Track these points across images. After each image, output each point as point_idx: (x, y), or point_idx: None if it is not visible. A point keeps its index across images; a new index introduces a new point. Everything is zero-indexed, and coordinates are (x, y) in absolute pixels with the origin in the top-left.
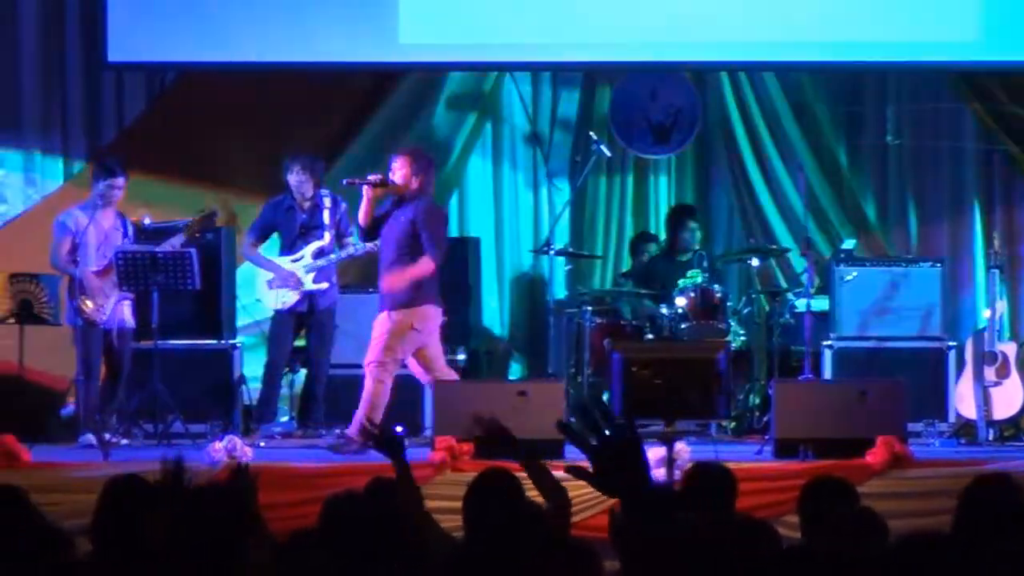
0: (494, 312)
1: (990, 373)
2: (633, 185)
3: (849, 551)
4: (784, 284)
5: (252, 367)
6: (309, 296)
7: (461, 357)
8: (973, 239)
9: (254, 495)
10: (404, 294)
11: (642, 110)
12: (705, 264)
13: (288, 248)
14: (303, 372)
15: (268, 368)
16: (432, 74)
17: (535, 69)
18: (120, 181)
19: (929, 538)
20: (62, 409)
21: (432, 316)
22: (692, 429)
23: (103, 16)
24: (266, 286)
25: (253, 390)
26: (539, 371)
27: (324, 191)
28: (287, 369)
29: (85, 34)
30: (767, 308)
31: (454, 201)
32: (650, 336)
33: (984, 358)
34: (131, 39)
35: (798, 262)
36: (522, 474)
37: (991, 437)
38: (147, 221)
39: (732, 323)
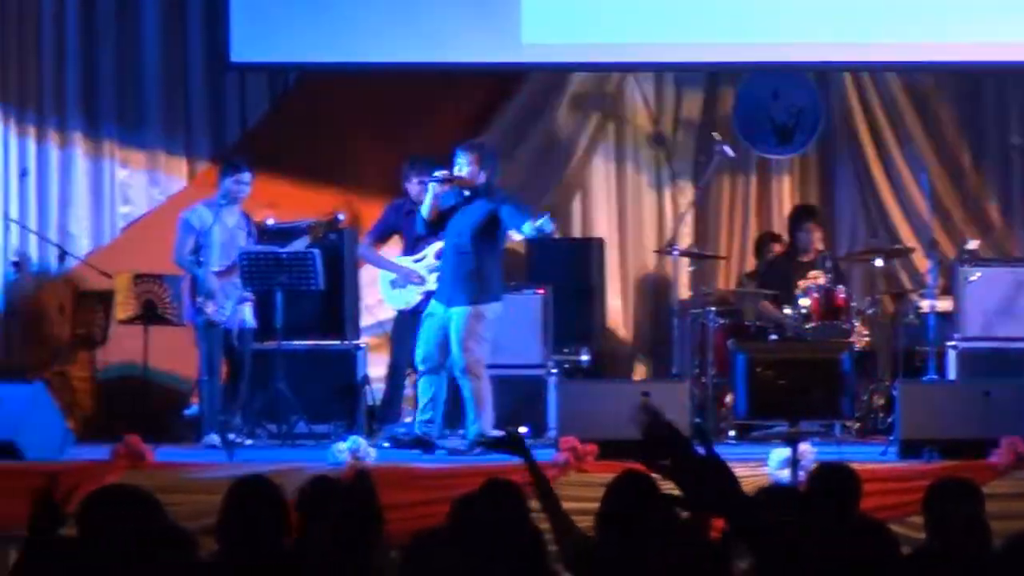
0: (618, 312)
1: None
2: (756, 185)
3: (973, 552)
4: (908, 284)
5: (375, 368)
6: (431, 297)
7: (585, 358)
8: None
9: (376, 496)
10: (487, 288)
11: (765, 110)
12: (829, 264)
13: (410, 250)
14: None
15: (391, 369)
16: (555, 75)
17: (658, 69)
18: (246, 177)
19: None
20: (186, 409)
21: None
22: (816, 430)
23: (226, 17)
24: (389, 286)
25: (376, 391)
26: (662, 372)
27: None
28: (410, 370)
29: (208, 35)
30: (891, 308)
31: (577, 202)
32: (774, 337)
33: None
34: (254, 40)
35: (922, 262)
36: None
37: None
38: (270, 222)
39: (856, 323)
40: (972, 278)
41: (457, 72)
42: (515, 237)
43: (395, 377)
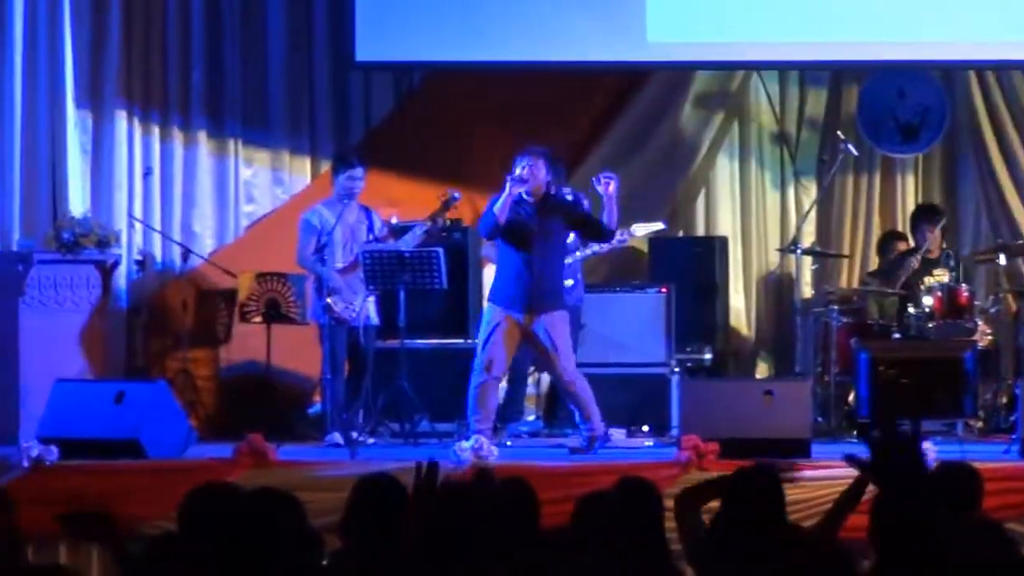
0: (741, 311)
1: None
2: (880, 184)
3: None
4: None
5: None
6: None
7: (707, 356)
8: None
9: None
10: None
11: (890, 109)
12: (952, 263)
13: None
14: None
15: (514, 367)
16: (679, 73)
17: (782, 68)
18: (359, 172)
19: None
20: (309, 408)
21: None
22: (938, 429)
23: (351, 16)
24: None
25: (499, 389)
26: (785, 370)
27: (566, 189)
28: (533, 368)
29: (333, 34)
30: (1014, 306)
31: (700, 200)
32: (897, 335)
33: None
34: (379, 39)
35: None
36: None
37: None
38: (394, 220)
39: (979, 322)
40: None
41: (582, 71)
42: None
43: (518, 376)
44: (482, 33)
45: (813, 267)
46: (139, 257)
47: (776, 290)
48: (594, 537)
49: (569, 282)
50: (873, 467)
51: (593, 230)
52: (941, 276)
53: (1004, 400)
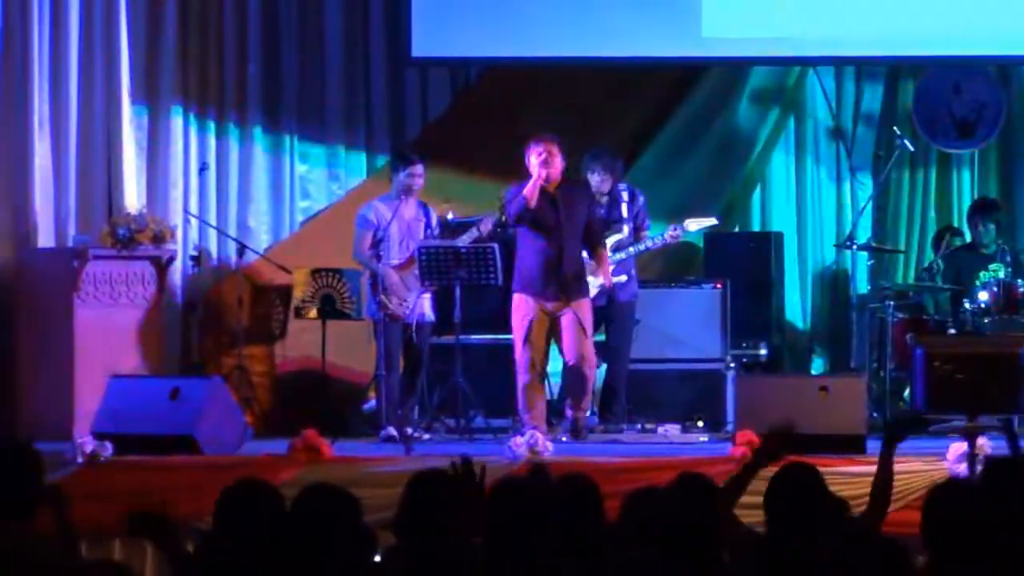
0: (796, 306)
1: None
2: (936, 179)
3: None
4: None
5: (553, 362)
6: (609, 289)
7: (763, 351)
8: None
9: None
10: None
11: (946, 104)
12: (1008, 258)
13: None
14: (604, 366)
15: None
16: (735, 69)
17: (838, 64)
18: (418, 169)
19: None
20: (364, 404)
21: None
22: (995, 424)
23: (407, 12)
24: None
25: (554, 385)
26: (841, 365)
27: (622, 185)
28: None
29: (390, 30)
30: None
31: (757, 195)
32: (953, 331)
33: None
34: (435, 34)
35: None
36: (830, 469)
37: None
38: (450, 216)
39: None
40: None
41: (637, 67)
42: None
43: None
44: (538, 29)
45: (869, 262)
46: (194, 253)
47: (832, 285)
48: (646, 533)
49: (623, 278)
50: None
51: (586, 238)
52: (997, 271)
53: None
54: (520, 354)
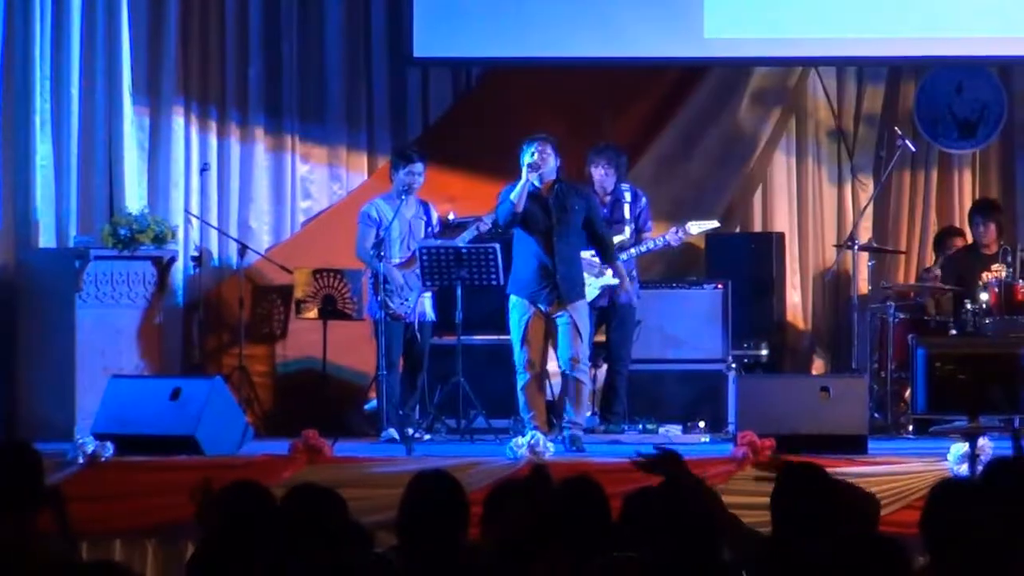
0: (797, 307)
1: None
2: (937, 179)
3: None
4: None
5: (552, 362)
6: (610, 291)
7: (763, 352)
8: None
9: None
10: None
11: (947, 105)
12: (1009, 258)
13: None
14: (605, 367)
15: None
16: (737, 69)
17: (840, 64)
18: (418, 167)
19: None
20: (365, 404)
21: None
22: (995, 425)
23: (409, 12)
24: None
25: (555, 385)
26: (841, 366)
27: (625, 185)
28: (600, 361)
29: (391, 30)
30: None
31: (758, 196)
32: (954, 331)
33: None
34: (437, 34)
35: None
36: (830, 469)
37: None
38: (451, 216)
39: None
40: None
41: (639, 67)
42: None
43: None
44: (539, 29)
45: (870, 263)
46: (196, 253)
47: (833, 286)
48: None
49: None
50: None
51: (595, 242)
52: (998, 272)
53: None
54: (518, 355)
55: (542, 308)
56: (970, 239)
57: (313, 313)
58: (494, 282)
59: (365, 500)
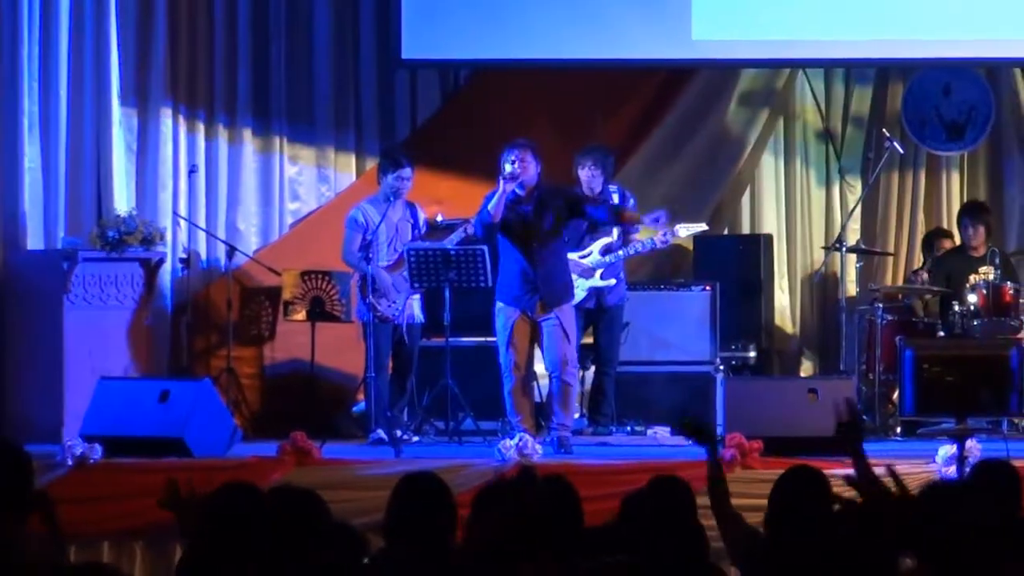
0: (785, 309)
1: None
2: (925, 181)
3: None
4: None
5: (540, 364)
6: (597, 293)
7: (751, 354)
8: None
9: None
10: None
11: (935, 106)
12: (997, 260)
13: (575, 245)
14: (592, 369)
15: None
16: (725, 71)
17: (828, 66)
18: (407, 172)
19: None
20: (353, 406)
21: None
22: (983, 427)
23: (397, 14)
24: None
25: (543, 387)
26: (829, 368)
27: (612, 186)
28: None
29: (379, 32)
30: None
31: (746, 198)
32: (942, 333)
33: None
34: (425, 36)
35: None
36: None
37: None
38: (439, 218)
39: None
40: None
41: (627, 69)
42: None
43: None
44: (528, 31)
45: (858, 265)
46: (184, 255)
47: (821, 288)
48: (634, 535)
49: (611, 281)
50: None
51: (590, 221)
52: (986, 273)
53: None
54: (503, 358)
55: (528, 314)
56: (958, 241)
57: (301, 315)
58: (482, 284)
59: (353, 502)
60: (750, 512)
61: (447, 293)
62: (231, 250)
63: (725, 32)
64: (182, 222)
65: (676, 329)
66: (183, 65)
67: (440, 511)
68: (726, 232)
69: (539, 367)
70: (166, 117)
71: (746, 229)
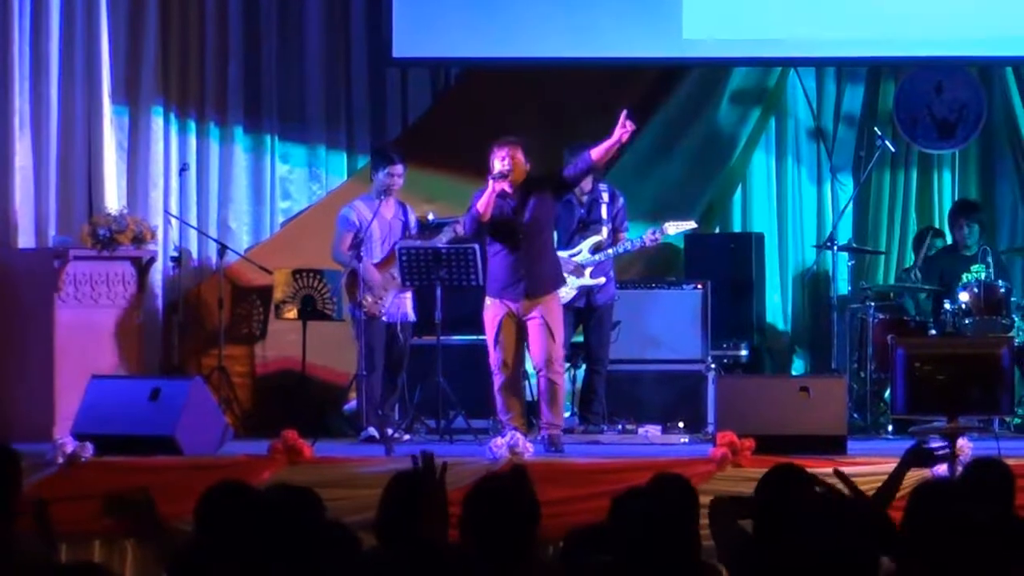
0: (776, 307)
1: None
2: (917, 180)
3: None
4: None
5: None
6: (587, 291)
7: (743, 352)
8: None
9: (532, 492)
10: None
11: (927, 105)
12: (989, 259)
13: (565, 243)
14: (583, 367)
15: None
16: (716, 69)
17: (820, 64)
18: (399, 168)
19: None
20: (344, 404)
21: None
22: (975, 426)
23: (388, 12)
24: None
25: (533, 385)
26: (822, 367)
27: (603, 186)
28: (568, 364)
29: (370, 30)
30: None
31: (737, 196)
32: (933, 332)
33: None
34: (416, 35)
35: None
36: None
37: None
38: (431, 217)
39: (1016, 318)
40: None
41: (618, 67)
42: None
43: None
44: (518, 29)
45: (849, 263)
46: (175, 254)
47: (812, 286)
48: (627, 534)
49: (601, 280)
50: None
51: (570, 176)
52: (978, 272)
53: None
54: (492, 356)
55: (513, 307)
56: (949, 239)
57: (293, 314)
58: (473, 282)
59: (345, 500)
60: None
61: (438, 291)
62: (222, 248)
63: (716, 31)
64: (173, 220)
65: (668, 327)
66: (174, 64)
67: (431, 509)
68: (718, 230)
69: (530, 366)
70: (157, 115)
71: (738, 227)
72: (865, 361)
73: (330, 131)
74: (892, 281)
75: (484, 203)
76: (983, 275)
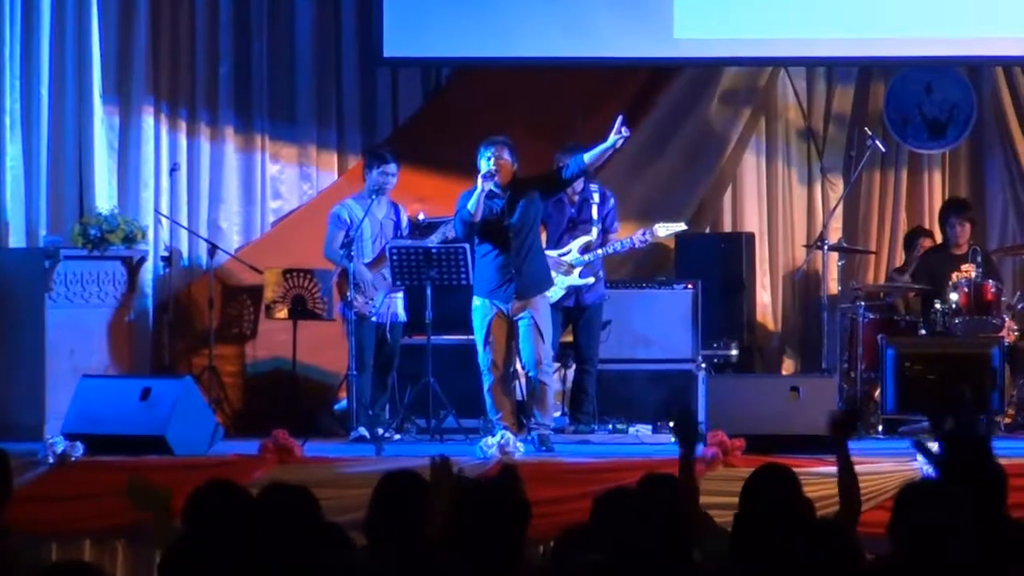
0: (767, 307)
1: None
2: (907, 180)
3: None
4: None
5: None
6: (576, 291)
7: (733, 352)
8: None
9: (522, 492)
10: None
11: (917, 105)
12: (979, 259)
13: (555, 243)
14: (573, 367)
15: None
16: (707, 69)
17: (810, 64)
18: (392, 168)
19: None
20: (335, 404)
21: None
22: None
23: (379, 12)
24: None
25: (523, 385)
26: (812, 366)
27: (593, 186)
28: (558, 364)
29: (361, 30)
30: None
31: (728, 196)
32: (923, 331)
33: None
34: (407, 34)
35: None
36: (800, 469)
37: None
38: (421, 217)
39: (1006, 318)
40: None
41: (609, 67)
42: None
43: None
44: (510, 29)
45: (840, 263)
46: (165, 253)
47: (803, 286)
48: (614, 534)
49: (591, 280)
50: (943, 462)
51: (562, 177)
52: (968, 272)
53: None
54: (482, 357)
55: (503, 307)
56: (939, 239)
57: (283, 314)
58: (464, 282)
59: (335, 500)
60: (731, 511)
61: (428, 291)
62: (213, 248)
63: (707, 31)
64: (164, 220)
65: (658, 327)
66: (165, 63)
67: (421, 509)
68: (708, 230)
69: (519, 365)
70: (148, 115)
71: (728, 227)
72: (855, 361)
73: (321, 131)
74: (882, 281)
75: (474, 203)
76: (973, 275)
